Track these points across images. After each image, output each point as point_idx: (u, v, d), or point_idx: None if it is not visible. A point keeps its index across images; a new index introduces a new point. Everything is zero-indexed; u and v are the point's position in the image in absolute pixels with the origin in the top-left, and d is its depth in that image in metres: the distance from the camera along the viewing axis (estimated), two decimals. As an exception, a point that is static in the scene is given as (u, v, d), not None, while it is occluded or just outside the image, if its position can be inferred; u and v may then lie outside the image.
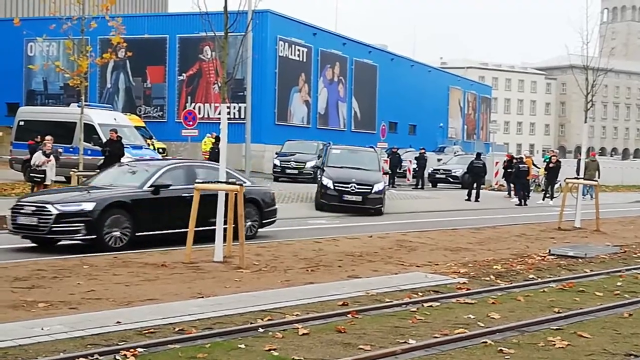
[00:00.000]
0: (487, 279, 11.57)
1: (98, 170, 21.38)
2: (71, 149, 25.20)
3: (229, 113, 14.25)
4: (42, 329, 7.39)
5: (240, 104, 38.12)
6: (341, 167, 24.37)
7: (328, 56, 47.43)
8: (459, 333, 7.79)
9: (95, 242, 13.52)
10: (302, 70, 44.79)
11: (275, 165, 34.86)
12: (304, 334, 7.62)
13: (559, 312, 9.08)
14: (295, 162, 33.96)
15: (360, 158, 25.51)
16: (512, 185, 32.33)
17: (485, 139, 72.73)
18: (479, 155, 32.56)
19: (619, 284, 11.52)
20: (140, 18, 45.95)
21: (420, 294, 10.12)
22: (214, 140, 28.30)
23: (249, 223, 15.44)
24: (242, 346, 7.10)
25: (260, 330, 7.72)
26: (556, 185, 32.13)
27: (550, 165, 31.10)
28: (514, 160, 31.96)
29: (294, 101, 44.29)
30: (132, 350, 6.72)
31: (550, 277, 11.92)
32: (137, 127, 32.10)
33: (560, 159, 33.18)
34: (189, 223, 13.14)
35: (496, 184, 37.42)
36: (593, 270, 12.93)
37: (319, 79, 46.66)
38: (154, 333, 7.50)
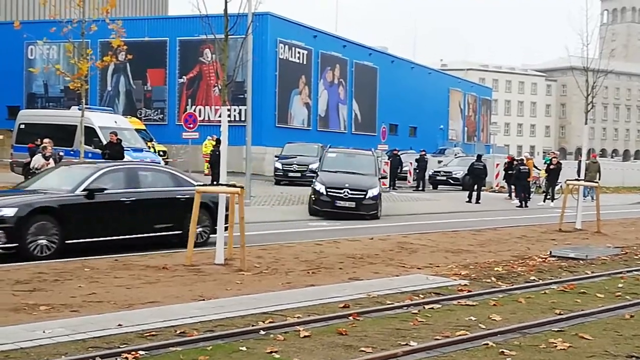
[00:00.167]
0: (488, 280, 11.56)
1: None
2: (72, 152, 25.22)
3: (229, 115, 14.15)
4: (44, 332, 7.39)
5: (240, 107, 38.12)
6: (335, 172, 23.52)
7: (328, 58, 47.45)
8: (460, 335, 7.79)
9: (18, 250, 12.47)
10: (302, 72, 44.81)
11: (277, 169, 34.55)
12: (305, 336, 7.62)
13: (560, 314, 9.08)
14: (298, 164, 33.81)
15: (357, 162, 24.56)
16: (512, 187, 32.33)
17: (486, 140, 72.71)
18: (479, 157, 32.54)
19: (620, 285, 11.52)
20: (141, 21, 45.97)
21: (422, 296, 10.11)
22: (214, 143, 28.32)
23: (200, 229, 14.36)
24: (244, 348, 7.10)
25: (262, 332, 7.72)
26: (557, 187, 32.12)
27: (551, 167, 31.09)
28: (515, 162, 31.96)
29: (295, 103, 44.30)
30: (133, 352, 6.72)
31: (551, 279, 11.92)
32: (137, 130, 32.17)
33: (560, 161, 33.17)
34: (128, 230, 13.00)
35: (497, 186, 37.42)
36: (594, 271, 12.93)
37: (319, 81, 46.67)
38: (156, 336, 7.50)
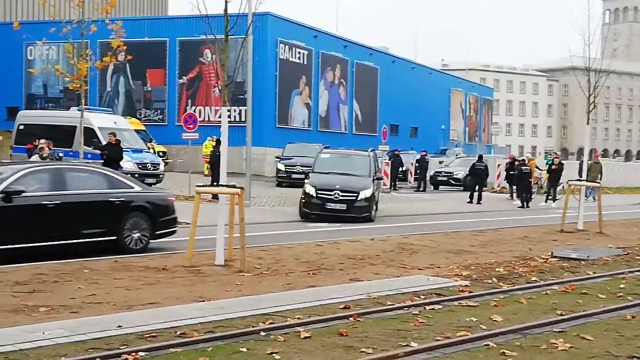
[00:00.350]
0: (490, 281, 11.54)
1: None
2: (71, 153, 25.20)
3: (229, 116, 14.12)
4: (43, 333, 7.37)
5: (240, 107, 38.08)
6: (327, 173, 22.64)
7: (329, 58, 47.43)
8: (461, 336, 7.77)
9: None
10: (302, 72, 44.78)
11: (279, 170, 34.28)
12: (305, 338, 7.59)
13: (561, 315, 9.05)
14: (302, 166, 33.62)
15: (350, 163, 23.65)
16: (514, 187, 32.31)
17: (487, 141, 72.66)
18: (480, 157, 32.53)
19: (621, 286, 11.49)
20: (140, 21, 45.93)
21: (423, 296, 10.09)
22: (214, 144, 28.28)
23: (137, 235, 13.87)
24: (244, 350, 7.08)
25: (262, 333, 7.69)
26: (559, 188, 32.10)
27: (553, 167, 31.08)
28: (516, 162, 31.94)
29: (295, 104, 44.27)
30: (133, 354, 6.70)
31: (552, 280, 11.90)
32: (137, 131, 32.16)
33: (562, 161, 33.16)
34: (51, 236, 12.52)
35: (498, 186, 37.40)
36: (596, 272, 12.91)
37: (319, 82, 46.64)
38: (156, 337, 7.48)
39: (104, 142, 24.72)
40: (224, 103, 12.65)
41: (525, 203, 30.10)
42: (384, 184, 34.25)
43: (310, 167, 32.74)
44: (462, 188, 36.79)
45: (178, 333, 7.65)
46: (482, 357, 7.10)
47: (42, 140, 20.46)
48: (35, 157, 19.93)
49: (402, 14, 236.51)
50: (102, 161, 22.43)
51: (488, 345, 7.47)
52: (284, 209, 24.75)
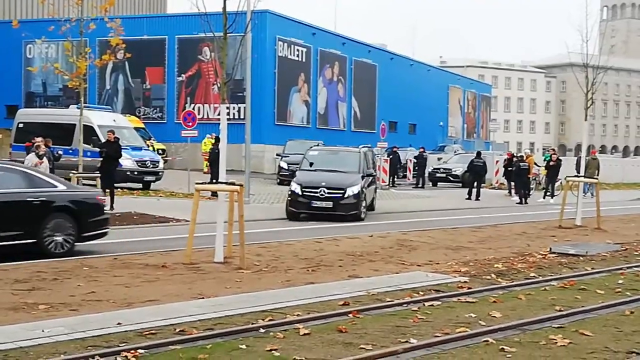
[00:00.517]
0: (488, 277, 11.55)
1: (98, 172, 21.44)
2: (71, 151, 25.21)
3: (228, 114, 14.13)
4: (43, 331, 7.38)
5: (239, 105, 38.07)
6: (314, 171, 21.87)
7: (327, 56, 47.41)
8: (460, 332, 7.79)
9: None
10: (301, 70, 44.78)
11: (282, 168, 33.57)
12: (305, 334, 7.61)
13: (560, 311, 9.07)
14: None
15: (339, 159, 22.80)
16: (512, 183, 32.33)
17: (486, 137, 72.69)
18: (479, 153, 32.54)
19: (620, 281, 11.51)
20: (139, 19, 45.92)
21: (421, 293, 10.10)
22: (213, 141, 28.29)
23: (60, 237, 12.92)
24: (243, 347, 7.09)
25: (262, 330, 7.71)
26: (557, 184, 32.11)
27: (551, 163, 31.09)
28: (515, 159, 31.96)
29: (294, 101, 44.27)
30: (133, 351, 6.71)
31: (551, 276, 11.92)
32: (136, 129, 32.16)
33: (560, 157, 33.17)
34: None
35: (496, 183, 37.42)
36: (594, 268, 12.93)
37: (318, 79, 46.64)
38: (155, 334, 7.49)
39: (103, 140, 24.71)
40: (223, 100, 12.65)
41: (523, 199, 30.11)
42: (383, 181, 34.30)
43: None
44: (460, 184, 36.83)
45: (177, 330, 7.66)
46: (481, 353, 7.12)
47: (39, 139, 20.43)
48: (31, 155, 19.90)
49: (400, 14, 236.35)
50: (101, 159, 22.44)
51: (487, 341, 7.49)
52: (283, 206, 24.72)
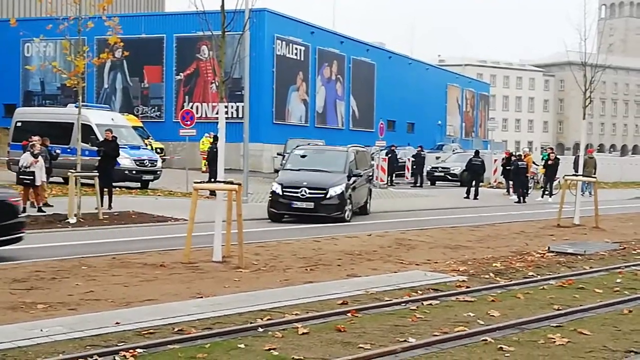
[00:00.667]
0: (487, 276, 11.56)
1: (96, 171, 21.42)
2: (69, 150, 25.17)
3: (226, 112, 14.13)
4: (41, 331, 7.37)
5: (238, 103, 38.04)
6: (298, 170, 21.03)
7: (326, 54, 47.40)
8: (458, 331, 7.79)
9: None
10: (299, 68, 44.77)
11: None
12: (303, 333, 7.60)
13: (558, 310, 9.07)
14: None
15: (324, 158, 21.84)
16: (511, 182, 32.34)
17: (484, 136, 72.71)
18: (477, 152, 32.55)
19: (618, 280, 11.52)
20: (137, 18, 45.89)
21: (420, 292, 10.11)
22: (212, 140, 28.27)
23: None
24: (242, 346, 7.09)
25: (260, 329, 7.70)
26: (555, 183, 32.13)
27: (549, 162, 31.10)
28: (513, 158, 31.98)
29: (292, 100, 44.26)
30: (131, 350, 6.70)
31: (549, 275, 11.92)
32: (134, 127, 32.12)
33: (558, 156, 33.20)
34: None
35: (495, 182, 37.43)
36: (592, 267, 12.93)
37: (316, 78, 46.63)
38: (153, 333, 7.49)
39: (101, 139, 24.68)
40: (221, 99, 12.64)
41: (521, 198, 30.11)
42: (381, 180, 34.31)
43: None
44: (458, 183, 36.84)
45: (176, 329, 7.66)
46: (479, 352, 7.12)
47: (35, 137, 20.42)
48: (26, 154, 19.88)
49: (398, 12, 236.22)
50: (99, 158, 22.42)
51: (486, 340, 7.49)
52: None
